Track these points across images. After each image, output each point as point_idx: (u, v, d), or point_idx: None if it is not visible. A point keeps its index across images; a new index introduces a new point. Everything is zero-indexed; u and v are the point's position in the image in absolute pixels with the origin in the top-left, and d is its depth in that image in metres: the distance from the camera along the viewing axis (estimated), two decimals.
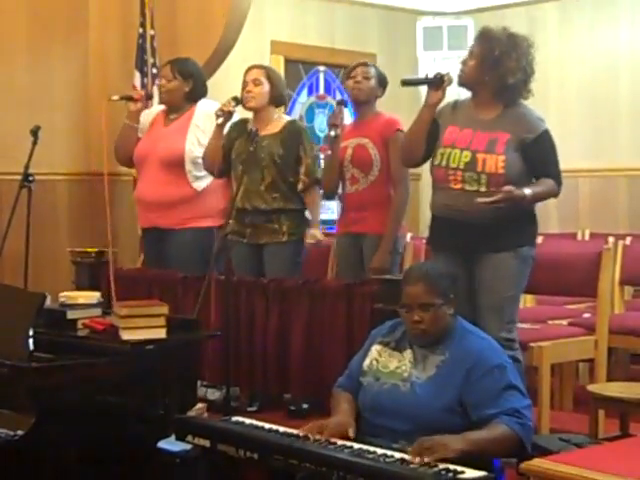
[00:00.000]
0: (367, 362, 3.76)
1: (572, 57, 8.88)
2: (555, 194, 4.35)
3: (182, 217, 5.62)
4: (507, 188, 4.09)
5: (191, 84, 5.74)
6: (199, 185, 5.64)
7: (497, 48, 4.29)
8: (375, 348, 3.79)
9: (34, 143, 5.19)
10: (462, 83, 4.44)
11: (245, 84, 5.47)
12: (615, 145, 8.51)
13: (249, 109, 5.50)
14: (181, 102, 5.77)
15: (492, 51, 4.30)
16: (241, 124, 5.53)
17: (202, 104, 5.76)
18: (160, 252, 5.77)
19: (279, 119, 5.52)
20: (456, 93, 4.63)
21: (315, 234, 5.34)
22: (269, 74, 5.51)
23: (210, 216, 5.53)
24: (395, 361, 3.69)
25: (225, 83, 6.80)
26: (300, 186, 5.38)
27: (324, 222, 6.43)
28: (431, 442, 3.23)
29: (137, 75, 6.95)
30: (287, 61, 8.67)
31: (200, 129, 5.65)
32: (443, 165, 4.35)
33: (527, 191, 4.16)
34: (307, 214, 5.49)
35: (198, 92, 5.78)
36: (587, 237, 7.55)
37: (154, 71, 6.95)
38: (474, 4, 9.36)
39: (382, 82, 5.35)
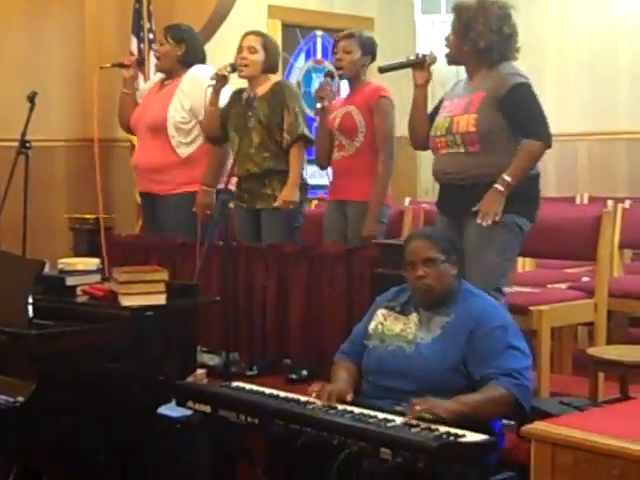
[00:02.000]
0: (372, 326, 3.79)
1: (571, 20, 8.84)
2: (538, 154, 4.24)
3: (171, 182, 5.63)
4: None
5: (183, 48, 5.70)
6: (183, 152, 5.63)
7: (464, 15, 4.31)
8: (380, 312, 3.82)
9: (31, 109, 5.17)
10: (450, 61, 4.46)
11: (240, 49, 5.43)
12: (614, 108, 8.48)
13: (243, 77, 5.47)
14: (174, 67, 5.74)
15: (461, 19, 4.33)
16: (236, 95, 5.50)
17: (193, 69, 5.73)
18: (154, 217, 5.80)
19: (266, 80, 5.46)
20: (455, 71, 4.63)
21: (287, 195, 5.23)
22: (265, 42, 5.45)
23: (197, 182, 5.51)
24: (400, 324, 3.72)
25: (222, 48, 6.75)
26: (284, 143, 5.33)
27: (321, 187, 6.40)
28: (425, 403, 3.26)
29: (133, 40, 6.93)
30: (284, 25, 8.62)
31: (184, 93, 5.63)
32: (432, 134, 4.42)
33: (498, 186, 4.14)
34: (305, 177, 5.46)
35: (191, 57, 5.74)
36: (586, 201, 7.55)
37: (151, 36, 6.92)
38: None
39: (368, 49, 5.26)
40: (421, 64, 4.50)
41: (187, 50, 5.71)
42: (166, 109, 5.62)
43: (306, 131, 5.31)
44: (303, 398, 3.50)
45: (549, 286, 5.32)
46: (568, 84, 8.70)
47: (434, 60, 4.52)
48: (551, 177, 8.44)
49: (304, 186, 5.44)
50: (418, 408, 3.25)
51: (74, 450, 3.61)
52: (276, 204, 5.22)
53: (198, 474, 3.86)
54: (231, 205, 5.34)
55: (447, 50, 4.43)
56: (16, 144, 5.15)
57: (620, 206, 6.20)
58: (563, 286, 5.35)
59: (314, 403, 3.44)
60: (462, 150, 4.27)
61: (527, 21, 8.74)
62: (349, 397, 3.49)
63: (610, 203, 6.13)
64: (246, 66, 5.37)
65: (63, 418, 3.55)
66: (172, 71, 5.77)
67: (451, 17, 4.42)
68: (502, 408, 3.43)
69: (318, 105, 5.23)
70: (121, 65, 5.83)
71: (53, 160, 6.88)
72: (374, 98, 5.15)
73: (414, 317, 3.71)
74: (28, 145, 5.13)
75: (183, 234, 5.41)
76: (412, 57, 4.55)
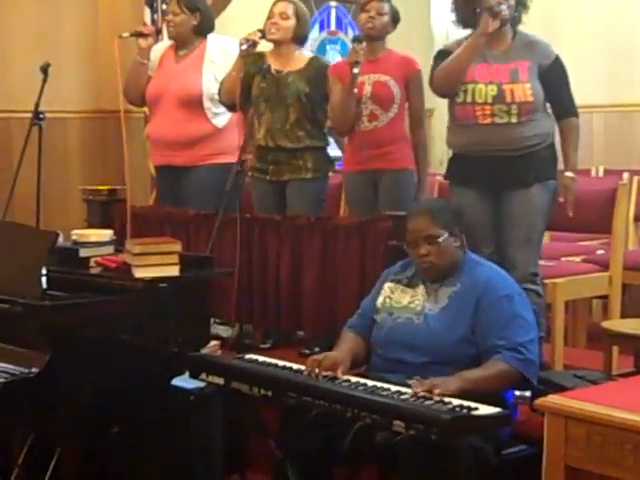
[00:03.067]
0: (380, 300, 3.80)
1: None
2: (578, 130, 4.41)
3: (200, 154, 5.57)
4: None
5: (198, 17, 5.63)
6: (218, 122, 5.58)
7: None
8: (388, 286, 3.82)
9: (44, 80, 5.15)
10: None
11: (272, 15, 5.35)
12: (631, 79, 8.41)
13: (271, 41, 5.38)
14: (189, 36, 5.68)
15: None
16: (258, 58, 5.42)
17: (213, 39, 5.69)
18: (176, 190, 5.72)
19: (300, 55, 5.41)
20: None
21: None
22: (297, 10, 5.38)
23: (228, 152, 5.40)
24: (408, 296, 3.74)
25: (234, 20, 6.76)
26: (327, 124, 5.31)
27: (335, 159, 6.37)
28: (426, 385, 3.26)
29: (147, 11, 6.91)
30: None
31: (215, 65, 5.58)
32: (469, 101, 4.34)
33: (570, 174, 4.33)
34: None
35: (206, 26, 5.69)
36: (601, 174, 7.51)
37: (164, 7, 6.88)
38: None
39: (395, 18, 5.21)
40: (497, 13, 4.26)
41: (202, 19, 5.66)
42: (199, 81, 5.55)
43: None
44: (304, 369, 3.52)
45: (563, 259, 5.32)
46: (584, 55, 8.62)
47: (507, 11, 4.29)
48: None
49: (330, 159, 5.44)
50: (419, 391, 3.23)
51: (88, 421, 3.61)
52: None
53: (211, 446, 3.88)
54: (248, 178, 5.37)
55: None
56: (29, 115, 5.14)
57: (636, 178, 6.19)
58: (577, 259, 5.35)
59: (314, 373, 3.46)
60: (514, 120, 4.28)
61: None
62: (341, 369, 3.49)
63: (626, 176, 6.10)
64: (278, 31, 5.30)
65: (77, 389, 3.55)
66: (186, 41, 5.69)
67: None
68: (506, 383, 3.45)
69: (355, 70, 5.12)
70: (140, 34, 5.69)
71: (66, 131, 6.89)
72: (413, 71, 5.13)
73: (421, 289, 3.72)
74: (42, 116, 5.12)
75: (211, 206, 5.21)
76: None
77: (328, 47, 8.98)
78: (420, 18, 8.79)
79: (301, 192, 5.28)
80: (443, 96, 4.70)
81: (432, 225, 3.67)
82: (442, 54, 4.53)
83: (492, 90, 4.30)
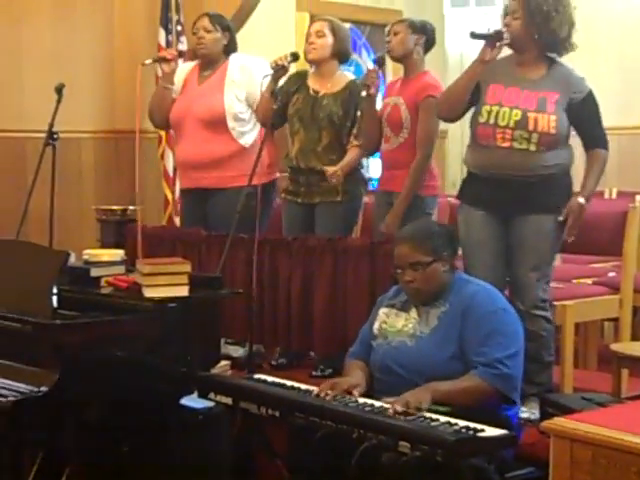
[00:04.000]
0: (376, 325, 3.84)
1: (601, 14, 8.78)
2: (605, 163, 4.45)
3: (228, 175, 5.48)
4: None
5: (228, 37, 5.61)
6: (246, 141, 5.54)
7: (544, 4, 4.26)
8: (382, 311, 3.86)
9: (58, 101, 5.18)
10: (509, 44, 4.36)
11: (308, 36, 5.35)
12: None
13: (310, 62, 5.38)
14: (219, 56, 5.61)
15: (540, 7, 4.26)
16: (299, 77, 5.44)
17: (234, 58, 5.63)
18: (204, 212, 5.66)
19: (340, 77, 5.37)
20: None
21: (332, 169, 5.19)
22: (334, 27, 5.35)
23: (258, 173, 5.34)
24: (402, 320, 3.77)
25: (251, 41, 6.78)
26: (349, 145, 5.28)
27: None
28: (399, 402, 3.29)
29: (162, 32, 6.95)
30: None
31: (236, 84, 5.53)
32: (491, 123, 4.31)
33: (582, 200, 4.28)
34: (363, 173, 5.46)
35: (233, 46, 5.67)
36: (614, 196, 7.51)
37: (179, 28, 6.95)
38: None
39: (419, 29, 5.13)
40: (497, 40, 4.29)
41: (231, 38, 5.64)
42: (221, 101, 5.50)
43: None
44: (317, 391, 3.52)
45: (574, 281, 5.30)
46: (598, 77, 8.56)
47: (508, 41, 4.32)
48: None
49: (364, 181, 5.44)
50: (398, 408, 3.26)
51: (98, 440, 3.63)
52: (328, 173, 5.14)
53: (219, 465, 3.89)
54: (279, 199, 5.47)
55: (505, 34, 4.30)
56: (44, 135, 5.17)
57: None
58: (589, 281, 5.33)
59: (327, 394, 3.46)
60: (533, 149, 4.25)
61: None
62: (357, 391, 3.52)
63: (638, 198, 6.10)
64: (314, 50, 5.29)
65: (86, 408, 3.57)
66: (214, 60, 5.63)
67: (494, 3, 4.40)
68: (479, 396, 3.47)
69: (363, 93, 5.13)
70: (162, 59, 5.62)
71: (80, 151, 6.92)
72: (423, 96, 5.03)
73: (414, 312, 3.75)
74: (55, 136, 5.15)
75: (244, 227, 4.98)
76: (491, 30, 4.34)
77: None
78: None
79: (330, 215, 5.25)
80: (445, 120, 4.73)
81: (416, 252, 3.69)
82: None
83: (516, 115, 4.27)
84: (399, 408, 3.25)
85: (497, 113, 4.31)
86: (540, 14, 4.26)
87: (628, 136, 8.40)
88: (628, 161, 8.44)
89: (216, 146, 5.53)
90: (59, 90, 5.21)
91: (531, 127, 4.24)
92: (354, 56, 8.97)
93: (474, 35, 4.37)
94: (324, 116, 5.26)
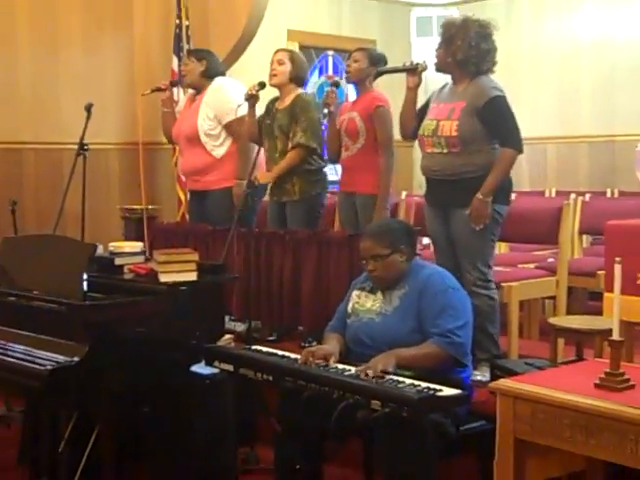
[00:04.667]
0: (350, 305, 3.84)
1: (542, 42, 8.83)
2: (511, 160, 4.24)
3: (208, 180, 5.61)
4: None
5: (205, 64, 5.65)
6: (217, 153, 5.59)
7: (448, 31, 4.33)
8: (355, 293, 3.86)
9: (88, 118, 5.19)
10: (437, 69, 4.45)
11: (271, 63, 5.42)
12: (578, 116, 8.49)
13: (273, 85, 5.43)
14: (199, 81, 5.66)
15: (445, 34, 4.33)
16: (271, 104, 5.48)
17: (214, 82, 5.66)
18: (201, 211, 5.76)
19: (292, 95, 5.40)
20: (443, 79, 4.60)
21: (261, 176, 5.25)
22: (292, 56, 5.44)
23: (231, 178, 5.48)
24: (370, 301, 3.76)
25: (249, 66, 6.79)
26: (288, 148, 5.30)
27: (332, 182, 6.40)
28: (371, 365, 3.31)
29: (174, 60, 6.96)
30: (301, 47, 8.61)
31: (209, 105, 5.58)
32: (420, 134, 4.41)
33: (480, 196, 4.16)
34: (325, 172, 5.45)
35: (212, 71, 5.67)
36: (554, 194, 7.54)
37: None
38: None
39: (375, 61, 5.16)
40: (414, 70, 4.48)
41: (207, 65, 5.66)
42: (196, 121, 5.59)
43: (303, 140, 5.21)
44: (300, 358, 3.52)
45: (519, 266, 5.34)
46: (539, 95, 8.69)
47: (425, 68, 4.49)
48: (525, 174, 8.45)
49: (323, 180, 5.43)
50: (370, 372, 3.27)
51: (122, 402, 3.61)
52: (256, 179, 5.12)
53: (224, 422, 3.89)
54: (266, 198, 5.47)
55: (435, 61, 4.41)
56: (76, 147, 5.17)
57: (580, 199, 6.21)
58: (531, 266, 5.37)
59: (318, 362, 3.46)
60: (445, 151, 4.27)
61: (506, 42, 8.73)
62: (333, 359, 3.51)
63: (572, 196, 6.12)
64: (275, 76, 5.37)
65: (112, 375, 3.56)
66: (198, 86, 5.69)
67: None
68: (436, 361, 3.47)
69: (324, 110, 5.22)
70: (158, 89, 5.82)
71: (107, 160, 6.93)
72: (372, 107, 5.08)
73: (379, 294, 3.75)
74: (86, 148, 5.15)
75: (227, 222, 5.23)
76: (407, 63, 4.54)
77: (326, 89, 8.97)
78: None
79: (294, 211, 5.30)
80: (404, 139, 4.74)
81: (377, 246, 3.69)
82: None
83: (432, 125, 4.32)
84: (370, 372, 3.26)
85: (425, 126, 4.38)
86: (445, 39, 4.33)
87: (565, 145, 8.45)
88: (565, 165, 8.50)
89: (196, 158, 5.63)
90: (88, 109, 5.21)
91: (439, 133, 4.27)
92: (336, 78, 8.98)
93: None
94: (276, 127, 5.32)
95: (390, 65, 4.78)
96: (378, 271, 3.69)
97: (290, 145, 5.26)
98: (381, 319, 3.67)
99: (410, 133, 4.56)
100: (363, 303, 3.79)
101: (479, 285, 4.23)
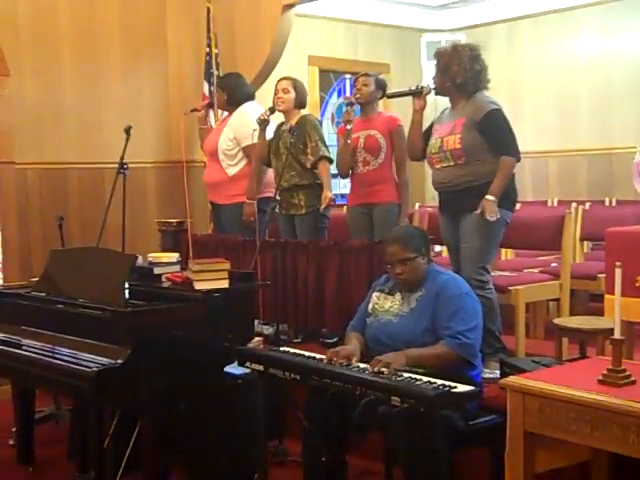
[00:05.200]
0: (370, 306, 3.84)
1: (542, 63, 8.80)
2: (511, 166, 4.21)
3: (224, 194, 5.75)
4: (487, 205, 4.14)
5: (226, 94, 5.83)
6: (230, 171, 5.72)
7: (442, 59, 4.34)
8: (375, 295, 3.86)
9: (127, 139, 5.19)
10: (436, 93, 4.48)
11: (276, 92, 5.51)
12: (577, 132, 8.45)
13: (280, 111, 5.54)
14: (225, 108, 5.94)
15: (440, 62, 4.35)
16: (278, 128, 5.56)
17: (243, 107, 5.79)
18: (218, 221, 5.93)
19: (296, 116, 5.51)
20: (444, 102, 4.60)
21: (326, 195, 5.27)
22: (295, 84, 5.54)
23: (242, 195, 5.58)
24: (389, 302, 3.76)
25: (272, 89, 6.78)
26: (308, 164, 5.36)
27: (341, 195, 6.47)
28: (380, 361, 3.30)
29: (205, 85, 6.96)
30: (321, 71, 8.66)
31: (231, 127, 5.73)
32: (428, 153, 4.43)
33: (489, 197, 4.14)
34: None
35: (232, 99, 5.82)
36: (555, 204, 7.50)
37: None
38: (466, 22, 9.28)
39: (380, 85, 5.26)
40: (419, 94, 4.51)
41: (228, 94, 5.83)
42: (218, 139, 5.75)
43: (326, 153, 5.36)
44: (325, 358, 3.51)
45: (525, 270, 5.32)
46: (541, 112, 8.66)
47: (429, 91, 4.50)
48: (528, 185, 8.41)
49: (319, 194, 5.40)
50: (377, 367, 3.28)
51: (162, 399, 3.62)
52: (321, 207, 5.25)
53: (255, 418, 3.88)
54: (277, 211, 5.44)
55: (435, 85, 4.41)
56: (116, 166, 5.18)
57: (581, 207, 6.19)
58: (536, 270, 5.35)
59: (341, 362, 3.44)
60: (452, 163, 4.27)
61: (509, 64, 8.76)
62: (355, 359, 3.50)
63: (574, 205, 6.10)
64: (283, 103, 5.46)
65: (153, 375, 3.57)
66: (226, 110, 5.95)
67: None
68: (446, 362, 3.43)
69: (348, 127, 5.22)
70: (195, 110, 6.09)
71: (145, 178, 6.93)
72: (394, 126, 5.15)
73: (398, 296, 3.75)
74: (125, 167, 5.16)
75: (239, 234, 5.48)
76: (413, 87, 4.56)
77: (344, 109, 8.99)
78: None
79: (301, 224, 5.39)
80: (412, 159, 4.75)
81: (404, 250, 3.67)
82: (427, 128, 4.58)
83: (437, 143, 4.35)
84: (385, 370, 3.25)
85: (431, 145, 4.41)
86: (441, 67, 4.33)
87: (565, 158, 8.42)
88: (565, 177, 8.46)
89: (213, 172, 5.82)
90: (127, 130, 5.22)
91: (445, 147, 4.29)
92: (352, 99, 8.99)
93: (389, 95, 4.71)
94: (282, 144, 5.41)
95: (397, 89, 4.78)
96: (405, 274, 3.67)
97: (313, 160, 5.34)
98: (399, 320, 3.66)
99: (418, 154, 4.59)
100: (382, 304, 3.78)
101: (475, 286, 4.20)
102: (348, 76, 9.04)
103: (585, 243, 6.22)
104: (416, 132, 4.54)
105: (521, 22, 8.96)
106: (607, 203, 7.26)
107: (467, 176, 4.24)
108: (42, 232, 6.36)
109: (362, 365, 3.41)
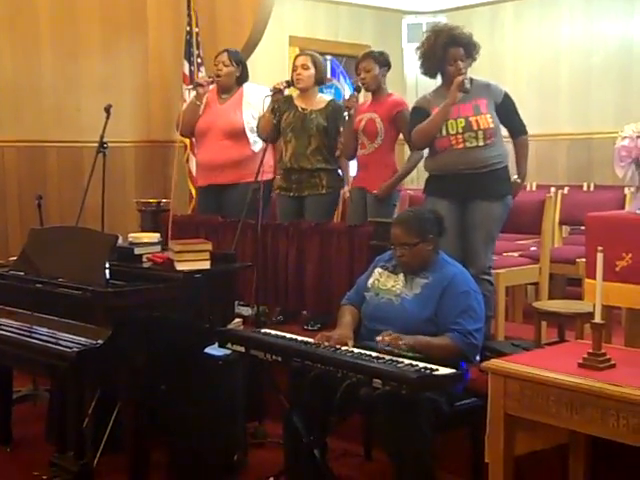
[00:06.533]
0: (371, 281, 3.81)
1: (524, 47, 8.80)
2: (528, 145, 4.55)
3: (242, 173, 5.49)
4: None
5: (240, 70, 5.66)
6: (256, 148, 5.57)
7: (469, 41, 4.37)
8: (377, 270, 3.83)
9: (107, 118, 5.15)
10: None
11: (295, 68, 5.34)
12: (556, 116, 8.47)
13: (300, 89, 5.37)
14: (232, 84, 5.67)
15: (467, 45, 4.34)
16: (287, 100, 5.41)
17: (248, 86, 5.70)
18: (219, 204, 5.67)
19: (321, 98, 5.40)
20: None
21: (345, 191, 5.38)
22: (314, 60, 5.35)
23: (264, 171, 5.26)
24: (391, 281, 3.73)
25: (254, 69, 6.73)
26: (338, 152, 5.30)
27: None
28: (390, 335, 3.36)
29: (185, 64, 6.93)
30: (301, 51, 8.60)
31: (252, 105, 5.57)
32: (444, 134, 4.33)
33: (517, 179, 4.43)
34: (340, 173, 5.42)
35: (244, 77, 5.71)
36: (534, 188, 7.52)
37: (199, 60, 6.94)
38: (447, 4, 9.25)
39: (383, 62, 5.12)
40: (466, 90, 4.29)
41: (242, 72, 5.68)
42: (241, 118, 5.56)
43: None
44: (315, 341, 3.52)
45: (505, 254, 5.33)
46: (521, 96, 8.56)
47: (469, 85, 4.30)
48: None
49: (340, 178, 5.39)
50: (387, 338, 3.34)
51: (141, 381, 3.60)
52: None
53: (235, 399, 3.89)
54: (274, 194, 5.43)
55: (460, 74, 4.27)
56: (96, 145, 5.15)
57: (560, 192, 6.21)
58: (515, 254, 5.37)
59: (324, 344, 3.47)
60: (482, 143, 4.28)
61: (490, 47, 8.73)
62: (350, 343, 3.50)
63: (553, 190, 6.12)
64: (302, 80, 5.30)
65: (133, 356, 3.55)
66: (229, 87, 5.68)
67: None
68: (449, 355, 3.41)
69: (345, 113, 5.17)
70: (198, 84, 5.69)
71: (124, 157, 6.90)
72: (394, 112, 5.04)
73: (401, 276, 3.71)
74: (105, 146, 5.12)
75: (248, 214, 4.99)
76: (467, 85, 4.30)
77: (325, 91, 8.95)
78: (395, 66, 8.79)
79: (317, 204, 5.24)
80: (420, 149, 4.70)
81: (406, 234, 3.65)
82: (415, 110, 4.55)
83: (461, 122, 4.30)
84: (387, 338, 3.32)
85: (446, 126, 4.32)
86: (475, 50, 4.36)
87: (545, 142, 8.42)
88: (544, 161, 8.47)
89: (235, 151, 5.57)
90: (107, 110, 5.17)
91: (475, 127, 4.28)
92: (334, 81, 8.96)
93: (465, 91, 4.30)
94: (313, 127, 5.25)
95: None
96: (406, 257, 3.66)
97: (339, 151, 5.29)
98: (400, 302, 3.63)
99: (427, 145, 4.51)
100: (384, 282, 3.75)
101: (486, 272, 4.25)
102: (329, 57, 9.00)
103: (564, 227, 6.25)
104: (440, 124, 4.34)
105: (503, 5, 8.96)
106: (585, 188, 7.29)
107: (495, 158, 4.31)
108: (19, 211, 6.33)
109: (346, 348, 3.42)
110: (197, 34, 6.95)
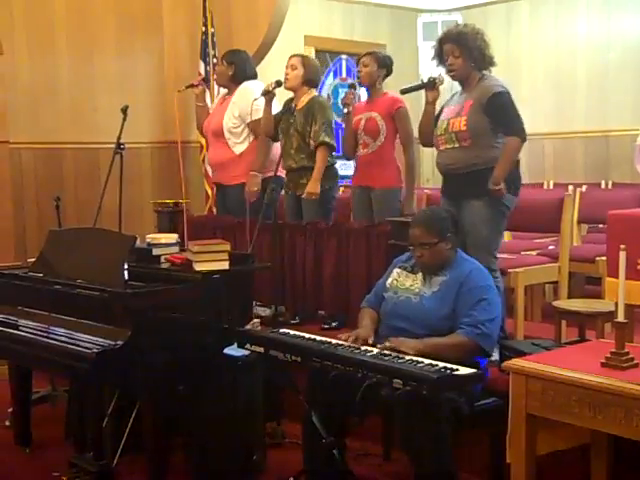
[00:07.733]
0: (389, 281, 3.81)
1: (540, 44, 8.78)
2: (515, 147, 4.18)
3: (231, 175, 5.65)
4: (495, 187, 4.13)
5: (233, 69, 5.73)
6: (237, 149, 5.67)
7: (468, 40, 4.24)
8: (396, 271, 3.83)
9: (124, 119, 5.16)
10: (457, 79, 4.36)
11: (285, 68, 5.42)
12: (573, 114, 8.45)
13: (287, 89, 5.44)
14: (227, 83, 5.80)
15: (465, 44, 4.25)
16: (287, 103, 5.47)
17: (243, 85, 5.74)
18: (224, 202, 5.83)
19: (306, 96, 5.39)
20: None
21: (311, 187, 5.17)
22: (304, 61, 5.41)
23: (248, 174, 5.48)
24: (410, 280, 3.73)
25: (270, 69, 6.75)
26: (311, 147, 5.28)
27: (345, 177, 6.41)
28: (395, 342, 3.32)
29: (201, 64, 6.95)
30: (317, 51, 8.62)
31: (236, 105, 5.65)
32: (435, 135, 4.40)
33: (490, 187, 4.12)
34: (335, 168, 5.39)
35: (239, 75, 5.74)
36: (551, 186, 7.50)
37: (215, 60, 6.94)
38: (463, 2, 9.23)
39: (383, 63, 5.18)
40: (432, 85, 4.40)
41: (235, 70, 5.74)
42: (222, 118, 5.68)
43: (327, 139, 5.19)
44: (334, 341, 3.51)
45: (523, 253, 5.31)
46: (537, 94, 8.64)
47: (442, 82, 4.41)
48: (523, 168, 8.29)
49: (335, 175, 5.39)
50: (388, 345, 3.31)
51: (160, 381, 3.61)
52: (303, 196, 5.19)
53: (254, 400, 3.88)
54: (282, 192, 5.41)
55: (453, 70, 4.29)
56: (112, 146, 5.15)
57: (578, 190, 6.19)
58: (534, 253, 5.34)
59: (343, 345, 3.45)
60: (457, 145, 4.24)
61: (506, 45, 8.73)
62: (370, 340, 3.51)
63: (570, 188, 6.10)
64: (288, 80, 5.37)
65: (152, 356, 3.56)
66: (227, 87, 5.85)
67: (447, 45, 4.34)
68: (463, 352, 3.37)
69: (344, 110, 5.22)
70: (192, 86, 5.92)
71: (141, 158, 6.92)
72: (394, 108, 5.10)
73: (420, 276, 3.71)
74: (122, 147, 5.12)
75: (243, 215, 5.27)
76: (425, 80, 4.44)
77: (340, 90, 8.97)
78: (410, 64, 8.78)
79: (311, 203, 5.25)
80: (425, 145, 4.69)
81: (425, 234, 3.63)
82: None
83: (443, 124, 4.32)
84: (388, 346, 3.29)
85: (438, 126, 4.38)
86: (475, 48, 4.26)
87: (561, 140, 8.41)
88: (561, 159, 8.45)
89: (218, 152, 5.74)
90: (124, 110, 5.19)
91: (450, 129, 4.26)
92: (349, 80, 8.95)
93: (403, 91, 4.48)
94: (292, 126, 5.31)
95: (409, 85, 4.61)
96: (425, 257, 3.65)
97: (313, 144, 5.23)
98: (418, 300, 3.63)
99: (429, 141, 4.53)
100: (403, 282, 3.75)
101: None
102: (344, 56, 9.02)
103: (582, 226, 6.22)
104: (428, 122, 4.45)
105: (519, 2, 8.93)
106: (603, 186, 7.27)
107: (472, 159, 4.21)
108: (37, 213, 6.35)
109: (366, 348, 3.41)
110: (213, 34, 6.96)
